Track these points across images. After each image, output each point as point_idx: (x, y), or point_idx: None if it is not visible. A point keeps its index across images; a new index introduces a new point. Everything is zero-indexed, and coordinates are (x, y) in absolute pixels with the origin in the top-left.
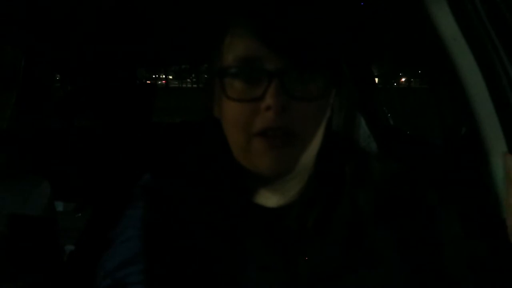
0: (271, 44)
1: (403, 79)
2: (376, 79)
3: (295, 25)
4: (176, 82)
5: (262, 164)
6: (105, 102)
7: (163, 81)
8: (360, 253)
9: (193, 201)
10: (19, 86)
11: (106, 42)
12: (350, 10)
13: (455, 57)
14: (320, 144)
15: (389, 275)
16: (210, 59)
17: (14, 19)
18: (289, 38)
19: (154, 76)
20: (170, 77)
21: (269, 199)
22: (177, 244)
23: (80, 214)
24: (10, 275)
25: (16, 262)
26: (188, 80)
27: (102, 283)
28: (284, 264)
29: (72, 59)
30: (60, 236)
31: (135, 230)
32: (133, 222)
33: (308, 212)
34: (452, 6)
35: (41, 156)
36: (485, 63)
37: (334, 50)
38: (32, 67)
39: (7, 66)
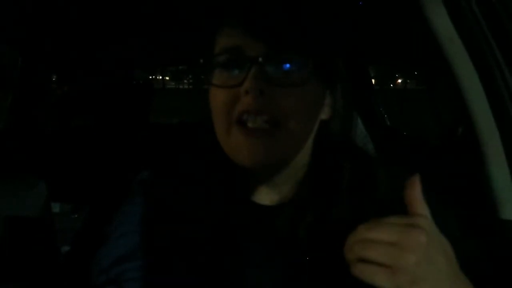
0: (251, 32)
1: (399, 81)
2: (373, 80)
3: (275, 13)
4: (173, 83)
5: (241, 154)
6: (101, 103)
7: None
8: None
9: (189, 197)
10: (16, 86)
11: (103, 42)
12: (342, 6)
13: (451, 57)
14: (314, 141)
15: None
16: (203, 58)
17: (10, 18)
18: (269, 25)
19: (151, 77)
20: (167, 78)
21: (263, 196)
22: (173, 240)
23: (76, 215)
24: (6, 277)
25: (13, 263)
26: (185, 81)
27: (97, 280)
28: (276, 263)
29: (69, 59)
30: (57, 237)
31: (130, 225)
32: (128, 218)
33: (300, 214)
34: (448, 7)
35: (38, 157)
36: (481, 63)
37: (315, 40)
38: (28, 67)
39: (3, 66)
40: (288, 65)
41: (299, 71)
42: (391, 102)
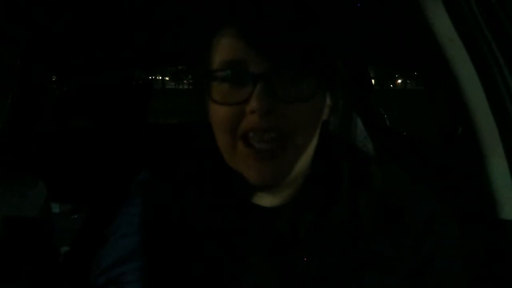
0: (255, 47)
1: (399, 81)
2: (373, 81)
3: (279, 28)
4: (173, 84)
5: (249, 173)
6: (101, 103)
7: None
8: (358, 257)
9: (189, 198)
10: (16, 86)
11: (103, 43)
12: (344, 11)
13: (451, 58)
14: (316, 146)
15: (386, 281)
16: (200, 64)
17: (10, 19)
18: (274, 40)
19: (151, 77)
20: (167, 78)
21: (264, 198)
22: (173, 242)
23: (76, 216)
24: (6, 277)
25: (12, 263)
26: (185, 81)
27: (97, 281)
28: (277, 265)
29: (69, 60)
30: (56, 238)
31: (130, 227)
32: (128, 219)
33: (301, 215)
34: (448, 7)
35: (38, 157)
36: (481, 63)
37: (322, 52)
38: (28, 67)
39: (3, 66)
40: (295, 81)
41: (305, 85)
42: (391, 102)
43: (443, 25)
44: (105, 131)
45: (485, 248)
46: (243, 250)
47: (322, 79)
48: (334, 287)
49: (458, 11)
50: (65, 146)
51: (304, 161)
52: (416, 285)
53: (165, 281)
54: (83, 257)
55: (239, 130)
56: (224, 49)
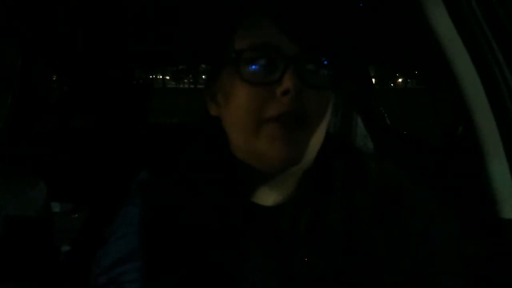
0: (288, 32)
1: (399, 80)
2: (373, 80)
3: (310, 14)
4: (174, 83)
5: (273, 149)
6: (101, 103)
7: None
8: (357, 253)
9: (190, 198)
10: (16, 86)
11: (104, 42)
12: (350, 8)
13: (451, 57)
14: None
15: (385, 279)
16: (218, 52)
17: (10, 18)
18: (305, 26)
19: (151, 76)
20: (167, 77)
21: (266, 197)
22: (173, 242)
23: (77, 215)
24: (6, 277)
25: (13, 263)
26: (186, 80)
27: (97, 280)
28: (278, 264)
29: (69, 59)
30: (57, 237)
31: (130, 227)
32: (128, 219)
33: (301, 213)
34: (449, 7)
35: (38, 157)
36: (481, 63)
37: (342, 42)
38: (28, 67)
39: (3, 66)
40: (319, 68)
41: (327, 73)
42: (391, 102)
43: (443, 24)
44: (105, 130)
45: (486, 248)
46: (244, 249)
47: (335, 72)
48: (334, 286)
49: (459, 11)
50: (65, 146)
51: (315, 148)
52: (415, 284)
53: (165, 281)
54: (83, 256)
55: (267, 113)
56: (254, 34)
